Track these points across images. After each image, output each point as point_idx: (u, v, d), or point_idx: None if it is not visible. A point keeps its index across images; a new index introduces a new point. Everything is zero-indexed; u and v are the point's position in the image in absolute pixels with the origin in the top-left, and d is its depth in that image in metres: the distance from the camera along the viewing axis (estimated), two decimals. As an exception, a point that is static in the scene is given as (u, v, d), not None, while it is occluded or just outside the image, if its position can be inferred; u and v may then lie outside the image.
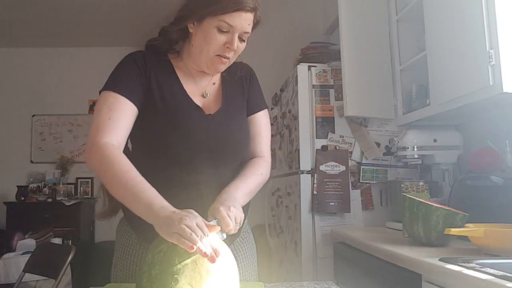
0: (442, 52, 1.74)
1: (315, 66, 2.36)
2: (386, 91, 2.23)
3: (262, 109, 1.28)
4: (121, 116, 1.06)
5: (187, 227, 0.83)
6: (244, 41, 1.13)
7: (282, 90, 2.76)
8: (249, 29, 1.11)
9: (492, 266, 1.02)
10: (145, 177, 0.97)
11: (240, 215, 1.00)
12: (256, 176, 1.17)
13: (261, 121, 1.27)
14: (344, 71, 2.19)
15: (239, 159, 1.20)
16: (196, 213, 0.88)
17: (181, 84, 1.16)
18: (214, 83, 1.23)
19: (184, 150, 1.09)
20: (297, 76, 2.37)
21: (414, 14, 2.06)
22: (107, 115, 1.05)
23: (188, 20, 1.12)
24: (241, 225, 1.00)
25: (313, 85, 2.33)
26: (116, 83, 1.10)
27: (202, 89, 1.19)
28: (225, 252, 0.89)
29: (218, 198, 1.04)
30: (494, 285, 0.90)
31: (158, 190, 0.95)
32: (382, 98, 2.23)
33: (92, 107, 5.13)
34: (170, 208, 0.90)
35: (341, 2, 2.25)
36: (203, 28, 1.10)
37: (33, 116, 5.08)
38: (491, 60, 1.42)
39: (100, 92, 1.11)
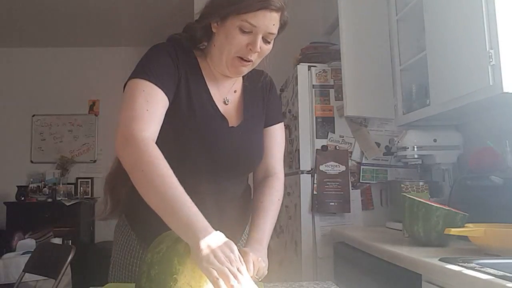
0: (442, 52, 1.74)
1: (315, 66, 2.36)
2: (386, 91, 2.23)
3: (279, 122, 1.25)
4: (157, 110, 0.99)
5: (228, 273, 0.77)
6: (269, 42, 1.07)
7: (282, 90, 2.76)
8: (274, 29, 1.04)
9: (492, 266, 1.02)
10: None
11: (264, 272, 0.99)
12: (275, 205, 1.16)
13: (277, 135, 1.23)
14: (344, 71, 2.19)
15: (251, 172, 1.21)
16: (231, 246, 0.83)
17: (207, 88, 1.12)
18: (235, 91, 1.18)
19: (201, 159, 1.06)
20: (297, 76, 2.37)
21: (414, 14, 2.06)
22: (145, 106, 0.97)
23: (211, 18, 1.07)
24: (260, 279, 0.99)
25: (313, 85, 2.33)
26: (152, 72, 1.02)
27: (223, 95, 1.15)
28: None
29: (249, 241, 1.04)
30: (494, 285, 0.90)
31: None
32: (382, 98, 2.23)
33: (92, 107, 5.14)
34: (210, 230, 0.84)
35: (341, 2, 2.25)
36: (226, 28, 1.04)
37: (33, 116, 5.08)
38: (491, 60, 1.42)
39: (130, 78, 1.03)
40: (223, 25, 1.05)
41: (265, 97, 1.23)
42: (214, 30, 1.08)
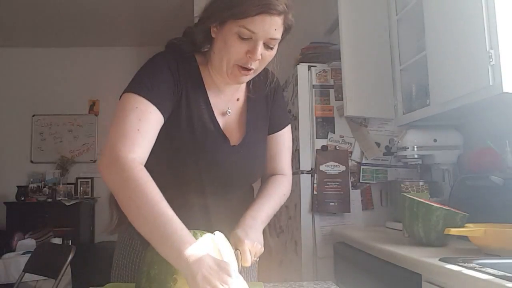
0: (442, 52, 1.74)
1: (315, 66, 2.35)
2: (386, 91, 2.23)
3: (286, 126, 1.20)
4: (150, 130, 0.93)
5: None
6: (271, 48, 0.99)
7: (282, 90, 2.76)
8: (276, 34, 0.96)
9: (492, 266, 1.02)
10: None
11: (261, 251, 0.98)
12: (279, 196, 1.14)
13: (284, 139, 1.19)
14: (344, 71, 2.19)
15: (254, 182, 1.19)
16: (227, 267, 0.79)
17: (209, 101, 1.06)
18: (238, 99, 1.12)
19: (200, 177, 1.03)
20: (297, 76, 2.37)
21: (414, 14, 2.06)
22: (136, 126, 0.91)
23: (210, 21, 1.00)
24: (257, 259, 0.98)
25: (313, 85, 2.33)
26: (149, 88, 0.95)
27: (225, 105, 1.09)
28: (225, 251, 0.88)
29: (243, 223, 1.00)
30: (494, 285, 0.90)
31: None
32: (382, 98, 2.23)
33: (92, 107, 5.14)
34: (203, 258, 0.79)
35: (341, 2, 2.25)
36: (224, 33, 0.97)
37: (33, 116, 5.08)
38: (491, 60, 1.42)
39: (124, 92, 0.97)
40: (221, 30, 0.99)
41: (269, 104, 1.17)
42: (213, 35, 1.02)
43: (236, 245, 0.94)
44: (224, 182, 1.07)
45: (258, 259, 1.00)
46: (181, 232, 0.81)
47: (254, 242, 0.96)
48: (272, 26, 0.95)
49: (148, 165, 0.93)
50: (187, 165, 1.02)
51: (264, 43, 0.97)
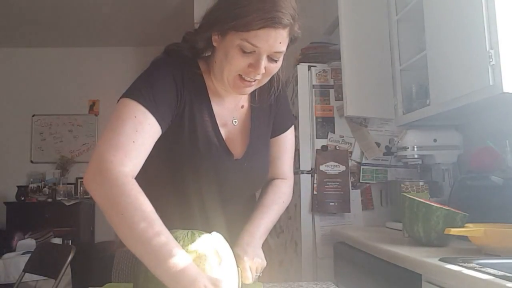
0: (442, 52, 1.74)
1: (315, 66, 2.36)
2: (386, 91, 2.23)
3: (289, 128, 1.18)
4: (146, 142, 0.87)
5: None
6: (276, 61, 0.94)
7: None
8: (281, 48, 0.91)
9: (492, 266, 1.02)
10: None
11: (262, 265, 0.97)
12: (278, 206, 1.12)
13: (287, 141, 1.18)
14: (344, 71, 2.19)
15: (254, 192, 1.18)
16: (220, 284, 0.76)
17: (212, 112, 1.02)
18: (242, 106, 1.09)
19: (200, 190, 1.01)
20: (297, 76, 2.37)
21: (414, 14, 2.06)
22: (132, 136, 0.85)
23: (211, 30, 0.95)
24: (260, 274, 0.96)
25: (313, 85, 2.33)
26: (150, 97, 0.90)
27: (229, 113, 1.06)
28: (224, 252, 0.88)
29: (240, 240, 0.98)
30: (494, 285, 0.90)
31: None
32: (382, 98, 2.23)
33: (92, 107, 5.13)
34: (199, 280, 0.74)
35: (341, 2, 2.25)
36: (225, 45, 0.92)
37: (33, 116, 5.08)
38: (491, 60, 1.42)
39: (124, 96, 0.91)
40: (223, 40, 0.93)
41: (272, 111, 1.15)
42: (214, 44, 0.96)
43: (236, 263, 0.91)
44: (226, 195, 1.05)
45: (260, 274, 0.98)
46: (176, 254, 0.76)
47: (253, 258, 0.95)
48: (277, 40, 0.89)
49: (148, 176, 0.91)
50: (188, 179, 1.00)
51: (268, 56, 0.92)
